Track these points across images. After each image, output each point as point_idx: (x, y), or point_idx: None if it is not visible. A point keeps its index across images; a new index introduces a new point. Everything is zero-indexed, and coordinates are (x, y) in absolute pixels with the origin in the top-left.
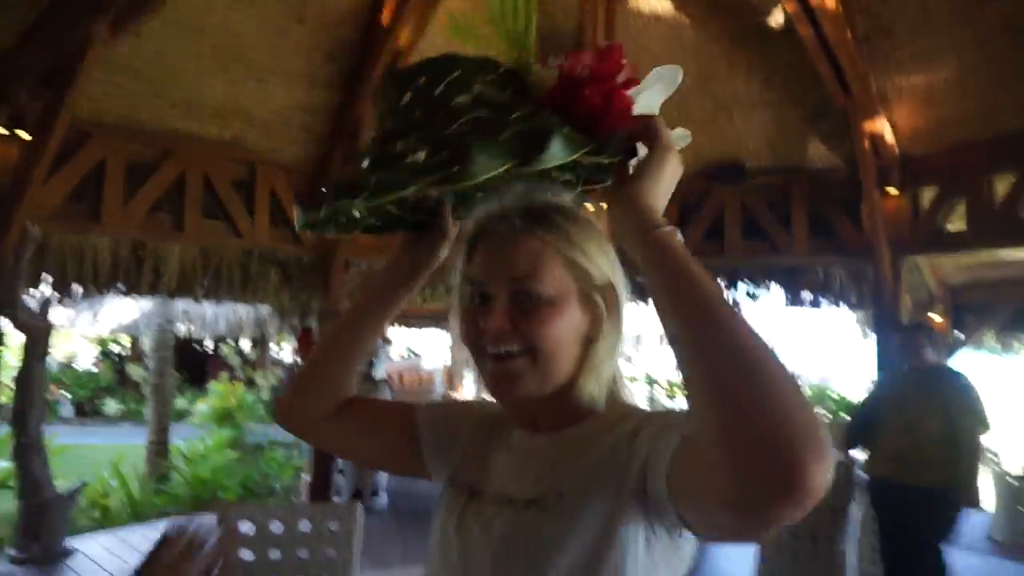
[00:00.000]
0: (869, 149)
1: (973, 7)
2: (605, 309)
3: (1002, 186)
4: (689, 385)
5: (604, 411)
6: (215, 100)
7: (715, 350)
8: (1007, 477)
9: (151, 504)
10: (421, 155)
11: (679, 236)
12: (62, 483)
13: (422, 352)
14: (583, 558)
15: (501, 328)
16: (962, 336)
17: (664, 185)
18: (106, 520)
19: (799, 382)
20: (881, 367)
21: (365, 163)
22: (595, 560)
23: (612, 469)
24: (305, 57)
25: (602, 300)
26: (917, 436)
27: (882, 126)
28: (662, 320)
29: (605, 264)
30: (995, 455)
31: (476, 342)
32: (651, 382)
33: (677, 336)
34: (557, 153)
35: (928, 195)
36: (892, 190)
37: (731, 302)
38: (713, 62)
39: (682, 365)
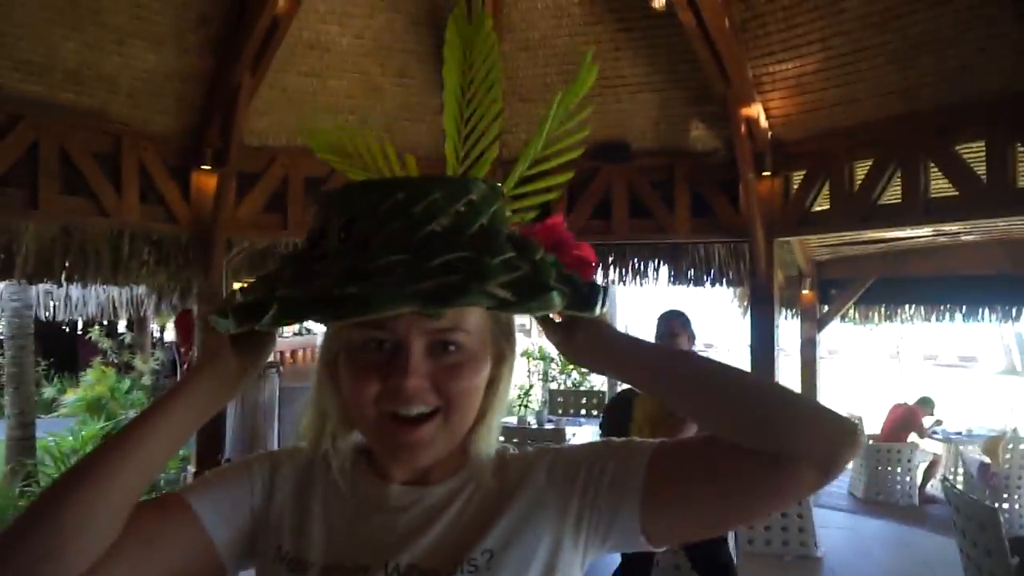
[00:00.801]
0: (745, 134)
1: (832, 2)
2: (507, 347)
3: (861, 171)
4: (720, 424)
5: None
6: (68, 63)
7: (742, 405)
8: (868, 440)
9: (12, 509)
10: (401, 275)
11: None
12: None
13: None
14: None
15: (420, 388)
16: (826, 308)
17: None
18: None
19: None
20: (754, 341)
21: (322, 269)
22: None
23: (543, 511)
24: (174, 19)
25: (505, 339)
26: (655, 425)
27: (757, 111)
28: (678, 406)
29: None
30: (858, 418)
31: (378, 403)
32: (546, 359)
33: (705, 410)
34: (549, 305)
35: (797, 178)
36: (766, 173)
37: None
38: (600, 43)
39: (713, 417)
